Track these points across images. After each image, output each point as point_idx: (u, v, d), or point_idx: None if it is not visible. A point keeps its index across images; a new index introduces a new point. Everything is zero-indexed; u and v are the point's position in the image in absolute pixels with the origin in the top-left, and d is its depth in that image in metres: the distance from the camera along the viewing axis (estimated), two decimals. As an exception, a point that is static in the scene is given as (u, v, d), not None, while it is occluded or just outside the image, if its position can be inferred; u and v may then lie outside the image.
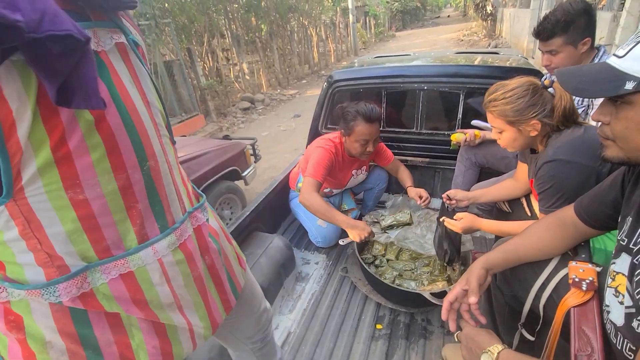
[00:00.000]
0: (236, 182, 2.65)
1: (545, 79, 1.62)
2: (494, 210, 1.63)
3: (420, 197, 1.67)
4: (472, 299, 0.87)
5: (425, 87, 1.94)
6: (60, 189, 0.48)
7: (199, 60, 6.75)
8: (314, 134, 2.29)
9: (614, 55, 0.59)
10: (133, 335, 0.60)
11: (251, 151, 2.80)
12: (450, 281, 1.45)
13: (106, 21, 0.52)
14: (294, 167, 2.03)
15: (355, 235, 1.48)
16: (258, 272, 1.48)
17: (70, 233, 0.50)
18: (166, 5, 6.11)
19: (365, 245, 1.73)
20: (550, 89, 1.06)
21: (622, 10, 3.88)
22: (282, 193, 1.99)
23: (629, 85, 0.55)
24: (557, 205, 1.03)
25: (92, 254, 0.53)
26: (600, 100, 1.36)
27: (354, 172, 1.82)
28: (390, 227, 1.67)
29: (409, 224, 1.66)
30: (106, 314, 0.56)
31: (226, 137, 2.59)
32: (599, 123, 0.68)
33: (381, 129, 1.70)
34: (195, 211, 0.70)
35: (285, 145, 4.83)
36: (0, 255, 0.49)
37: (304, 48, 10.87)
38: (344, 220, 1.51)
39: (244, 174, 2.65)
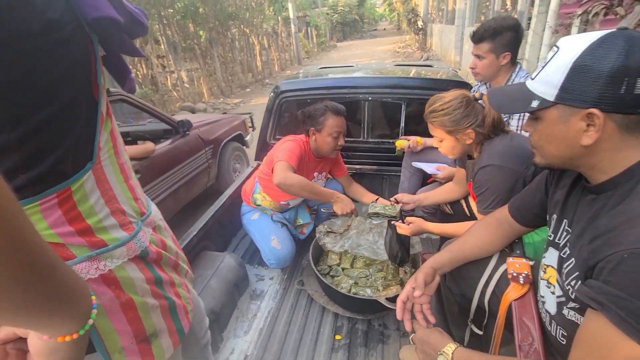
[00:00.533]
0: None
1: (475, 91, 1.78)
2: (437, 213, 1.74)
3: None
4: (417, 293, 0.92)
5: (370, 98, 2.01)
6: (113, 154, 0.59)
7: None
8: (262, 144, 2.24)
9: (530, 77, 0.68)
10: (174, 277, 0.73)
11: (249, 123, 3.61)
12: (403, 284, 1.50)
13: None
14: (246, 179, 1.95)
15: (338, 208, 1.54)
16: (209, 295, 1.38)
17: (125, 192, 0.61)
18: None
19: (320, 256, 1.72)
20: (480, 101, 1.16)
21: (528, 29, 4.47)
22: (231, 208, 1.90)
23: (534, 104, 0.65)
24: (493, 206, 1.13)
25: (138, 210, 0.64)
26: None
27: (315, 174, 1.81)
28: (376, 215, 1.64)
29: (394, 217, 1.63)
30: (156, 262, 0.67)
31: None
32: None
33: None
34: None
35: (232, 156, 4.66)
36: (91, 221, 0.54)
37: (247, 56, 10.71)
38: (329, 192, 1.57)
39: (245, 139, 3.47)
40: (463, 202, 1.52)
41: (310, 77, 2.23)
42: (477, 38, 1.51)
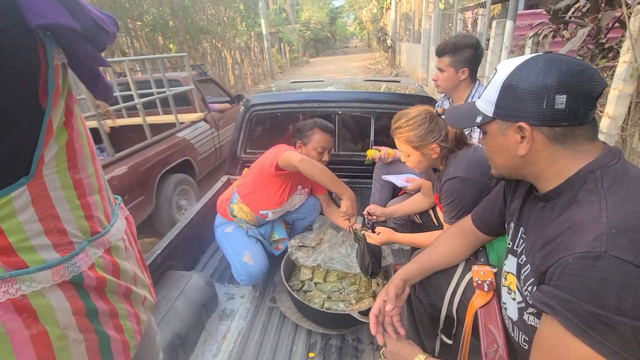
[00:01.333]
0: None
1: (439, 106, 1.86)
2: (408, 223, 1.77)
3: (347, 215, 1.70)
4: (388, 307, 0.93)
5: (340, 112, 2.05)
6: (66, 169, 0.55)
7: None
8: (232, 158, 2.20)
9: (478, 96, 0.75)
10: (119, 306, 0.66)
11: None
12: (375, 297, 1.50)
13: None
14: (218, 193, 1.90)
15: (345, 206, 1.51)
16: (175, 318, 1.30)
17: (74, 210, 0.57)
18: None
19: (292, 271, 1.69)
20: (443, 116, 1.21)
21: (488, 49, 4.79)
22: (200, 224, 1.83)
23: (479, 119, 0.72)
24: (458, 216, 1.16)
25: (88, 230, 0.60)
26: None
27: (299, 187, 1.78)
28: (355, 236, 1.58)
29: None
30: (97, 290, 0.61)
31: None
32: None
33: None
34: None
35: (203, 171, 4.54)
36: (14, 238, 0.49)
37: (219, 70, 10.64)
38: (345, 186, 1.53)
39: None
40: (431, 212, 1.56)
41: (281, 91, 2.24)
42: (439, 52, 1.59)
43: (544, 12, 2.90)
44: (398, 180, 1.79)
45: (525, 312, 0.75)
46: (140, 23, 7.59)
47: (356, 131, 2.23)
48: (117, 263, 0.66)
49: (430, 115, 1.17)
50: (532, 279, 0.66)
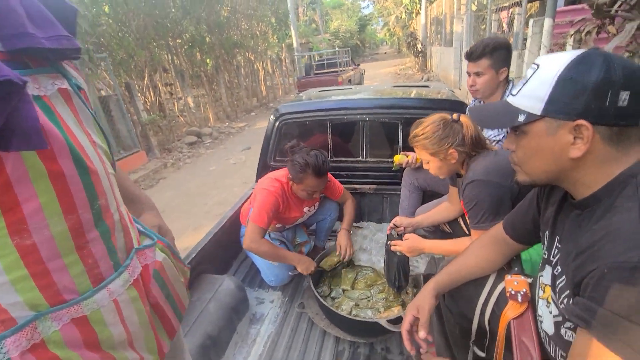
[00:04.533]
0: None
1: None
2: (437, 231, 1.72)
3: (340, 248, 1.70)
4: (422, 334, 0.92)
5: (367, 118, 2.05)
6: (5, 235, 0.45)
7: (139, 95, 6.48)
8: (262, 167, 2.27)
9: (510, 94, 0.69)
10: None
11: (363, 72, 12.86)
12: (404, 305, 1.47)
13: (47, 67, 0.52)
14: (245, 201, 1.97)
15: (302, 269, 1.58)
16: (207, 320, 1.36)
17: (16, 282, 0.47)
18: (102, 40, 5.87)
19: (320, 277, 1.70)
20: (459, 122, 1.19)
21: (525, 49, 4.57)
22: (231, 230, 1.90)
23: (521, 118, 0.64)
24: (483, 221, 1.13)
25: (42, 301, 0.49)
26: None
27: (305, 209, 1.79)
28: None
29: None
30: None
31: (358, 64, 13.12)
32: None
33: (329, 159, 1.73)
34: (145, 249, 0.68)
35: (235, 179, 4.71)
36: None
37: (252, 82, 11.03)
38: (293, 257, 1.63)
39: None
40: (461, 221, 1.51)
41: (310, 100, 2.28)
42: (476, 55, 1.54)
43: (587, 7, 2.73)
44: None
45: (562, 327, 0.70)
46: (180, 41, 8.09)
47: (384, 138, 2.22)
48: (94, 332, 0.55)
49: (444, 122, 1.16)
50: (568, 291, 0.62)
